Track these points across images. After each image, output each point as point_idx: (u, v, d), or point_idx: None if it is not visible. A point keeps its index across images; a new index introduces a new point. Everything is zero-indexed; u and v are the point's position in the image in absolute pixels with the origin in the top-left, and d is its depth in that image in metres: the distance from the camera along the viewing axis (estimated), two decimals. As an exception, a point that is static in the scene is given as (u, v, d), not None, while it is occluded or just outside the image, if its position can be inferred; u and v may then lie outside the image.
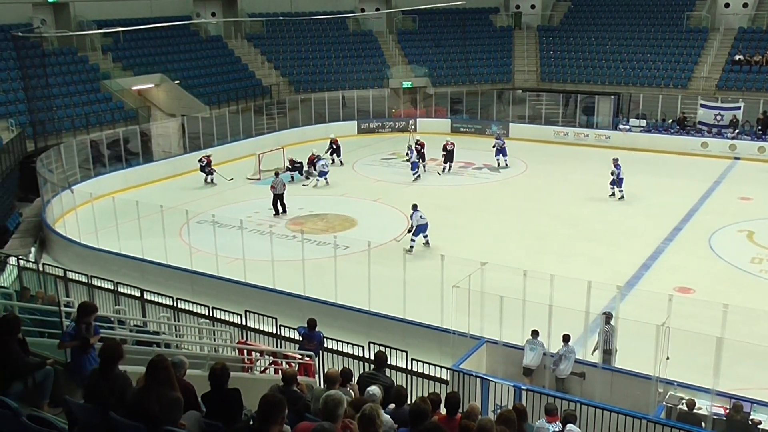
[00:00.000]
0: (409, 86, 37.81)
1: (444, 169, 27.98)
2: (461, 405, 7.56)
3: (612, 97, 34.58)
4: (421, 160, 27.71)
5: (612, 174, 24.03)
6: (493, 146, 28.95)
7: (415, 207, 19.34)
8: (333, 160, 28.89)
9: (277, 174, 23.51)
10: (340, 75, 37.64)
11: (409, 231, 19.34)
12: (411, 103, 38.00)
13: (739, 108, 31.30)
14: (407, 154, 28.46)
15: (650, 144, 31.62)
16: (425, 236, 19.33)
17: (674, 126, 32.66)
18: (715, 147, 30.63)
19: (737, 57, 34.23)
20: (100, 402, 4.99)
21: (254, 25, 39.19)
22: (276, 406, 4.58)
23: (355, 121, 35.83)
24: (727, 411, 10.81)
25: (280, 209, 22.76)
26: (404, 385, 11.26)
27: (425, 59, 39.07)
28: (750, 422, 10.67)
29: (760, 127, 31.13)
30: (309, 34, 39.66)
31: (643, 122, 33.13)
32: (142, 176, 26.52)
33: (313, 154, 27.48)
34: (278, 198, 22.80)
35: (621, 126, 33.08)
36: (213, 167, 26.74)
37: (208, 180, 26.62)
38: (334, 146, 29.45)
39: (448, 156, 27.97)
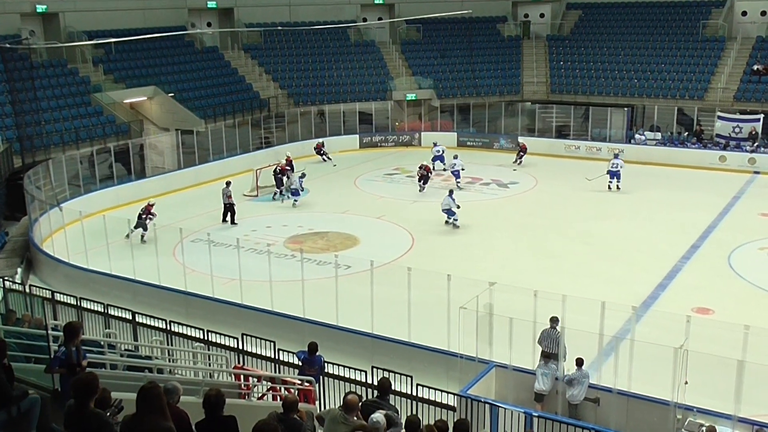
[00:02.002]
0: (414, 98, 37.39)
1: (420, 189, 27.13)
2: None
3: (625, 109, 34.22)
4: (422, 182, 27.07)
5: (613, 166, 25.26)
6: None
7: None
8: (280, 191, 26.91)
9: (228, 184, 23.47)
10: (342, 87, 37.26)
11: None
12: (417, 117, 37.57)
13: (758, 120, 30.95)
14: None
15: (666, 158, 31.17)
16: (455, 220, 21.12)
17: (690, 139, 32.20)
18: (733, 161, 30.22)
19: (755, 67, 33.74)
20: None
21: (251, 36, 38.87)
22: None
23: (357, 135, 35.44)
24: (751, 438, 10.34)
25: (229, 219, 23.02)
26: (410, 412, 10.82)
27: (430, 70, 38.71)
28: (774, 449, 10.25)
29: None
30: (309, 44, 39.35)
31: (658, 135, 32.71)
32: (134, 193, 26.00)
33: (283, 164, 27.11)
34: (230, 207, 23.07)
35: (637, 136, 32.66)
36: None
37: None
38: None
39: (424, 178, 27.12)
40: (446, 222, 22.54)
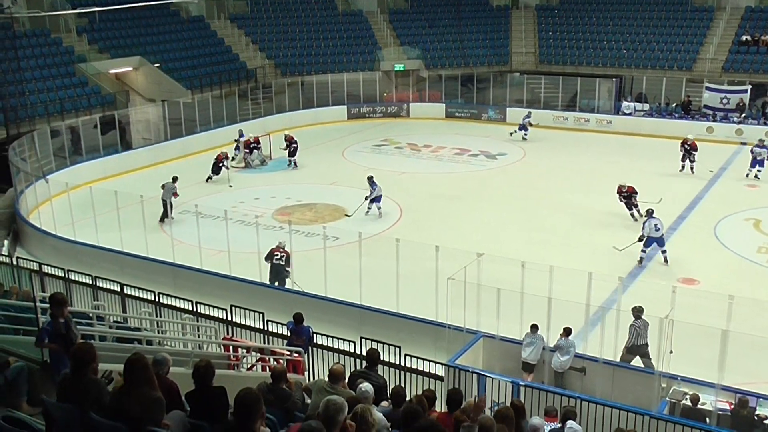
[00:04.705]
0: (402, 69, 37.10)
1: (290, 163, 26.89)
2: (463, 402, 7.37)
3: (614, 80, 34.09)
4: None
5: (758, 155, 24.08)
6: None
7: (650, 213, 17.48)
8: (289, 162, 26.98)
9: (174, 179, 20.53)
10: (329, 57, 36.92)
11: (640, 240, 17.37)
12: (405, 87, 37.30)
13: (745, 91, 31.00)
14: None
15: (654, 129, 31.15)
16: (663, 252, 17.42)
17: (678, 110, 32.23)
18: (720, 132, 30.27)
19: (744, 37, 33.65)
20: (76, 404, 4.78)
21: (238, 5, 38.38)
22: (252, 404, 4.53)
23: (345, 106, 35.18)
24: (733, 406, 10.57)
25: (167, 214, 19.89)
26: (398, 382, 10.91)
27: (418, 40, 38.37)
28: (756, 417, 10.45)
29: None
30: (296, 14, 38.92)
31: (646, 106, 32.65)
32: (121, 165, 25.82)
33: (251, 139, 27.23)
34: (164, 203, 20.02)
35: (625, 103, 32.69)
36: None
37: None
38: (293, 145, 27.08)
39: (292, 151, 26.81)
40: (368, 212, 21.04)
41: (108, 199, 17.44)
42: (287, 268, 15.41)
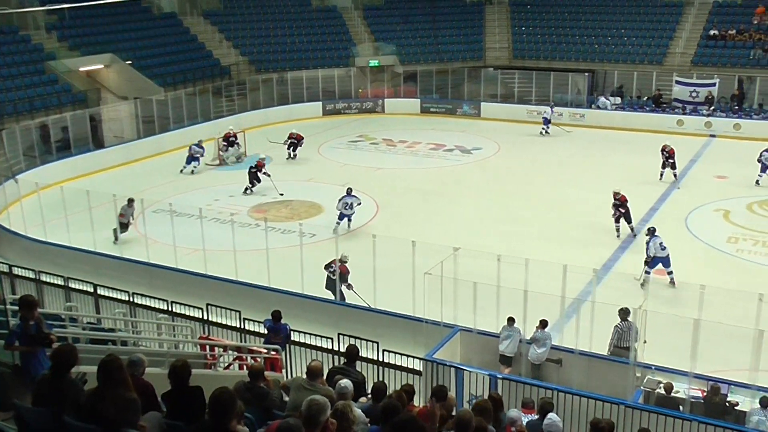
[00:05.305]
0: (376, 65, 37.06)
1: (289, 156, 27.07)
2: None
3: (586, 74, 34.27)
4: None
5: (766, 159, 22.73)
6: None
7: (653, 232, 16.17)
8: (290, 154, 27.10)
9: (131, 202, 18.61)
10: (303, 54, 36.75)
11: (646, 263, 15.82)
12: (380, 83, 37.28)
13: (714, 84, 31.41)
14: None
15: (625, 122, 31.47)
16: (669, 273, 15.82)
17: (649, 103, 32.56)
18: (690, 124, 30.67)
19: (712, 32, 34.12)
20: (52, 406, 4.76)
21: (211, 1, 38.08)
22: (227, 402, 4.54)
23: (320, 102, 35.06)
24: (705, 393, 10.71)
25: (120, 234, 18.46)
26: (376, 378, 10.93)
27: (393, 36, 38.34)
28: (727, 404, 10.60)
29: (735, 104, 31.21)
30: (269, 10, 38.67)
31: (618, 100, 32.95)
32: (93, 164, 25.47)
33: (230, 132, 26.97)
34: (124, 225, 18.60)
35: (602, 99, 32.85)
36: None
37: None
38: (299, 141, 27.29)
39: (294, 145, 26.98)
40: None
41: (79, 199, 17.20)
42: (344, 284, 14.71)
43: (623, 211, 18.51)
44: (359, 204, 19.43)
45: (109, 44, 31.62)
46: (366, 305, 14.04)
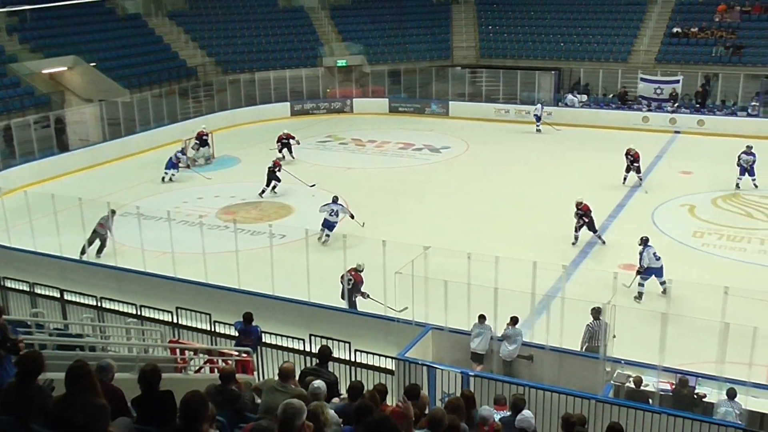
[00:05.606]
0: (344, 65, 36.97)
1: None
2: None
3: (552, 72, 34.56)
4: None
5: (746, 162, 21.93)
6: (743, 164, 22.31)
7: (645, 241, 15.46)
8: (284, 155, 26.45)
9: (113, 213, 17.99)
10: (271, 54, 36.53)
11: (638, 273, 15.19)
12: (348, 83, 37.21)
13: (678, 81, 31.89)
14: None
15: (592, 119, 31.76)
16: (662, 283, 15.21)
17: (615, 100, 32.97)
18: (655, 121, 31.09)
19: (675, 30, 34.65)
20: (18, 414, 4.57)
21: (176, 2, 37.68)
22: (198, 406, 4.49)
23: (288, 103, 34.88)
24: (674, 386, 10.84)
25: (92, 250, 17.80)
26: (348, 378, 10.90)
27: (360, 36, 38.28)
28: (695, 396, 10.73)
29: (699, 100, 31.71)
30: (235, 11, 38.35)
31: (584, 97, 33.29)
32: (57, 167, 25.08)
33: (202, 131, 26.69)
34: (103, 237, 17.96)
35: (570, 97, 33.10)
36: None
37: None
38: (289, 141, 26.97)
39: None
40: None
41: (44, 203, 16.88)
42: (358, 294, 14.34)
43: (587, 220, 18.05)
44: (344, 214, 18.69)
45: (72, 46, 31.13)
46: (395, 310, 13.44)
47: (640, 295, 14.99)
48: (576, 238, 18.20)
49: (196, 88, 33.16)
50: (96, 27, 33.53)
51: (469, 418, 7.21)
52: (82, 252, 17.43)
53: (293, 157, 26.71)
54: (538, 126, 30.78)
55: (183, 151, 25.43)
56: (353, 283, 14.26)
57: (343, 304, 14.33)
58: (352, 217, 18.41)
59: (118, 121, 28.21)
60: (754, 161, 22.09)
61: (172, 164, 24.62)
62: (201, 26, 37.14)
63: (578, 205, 18.12)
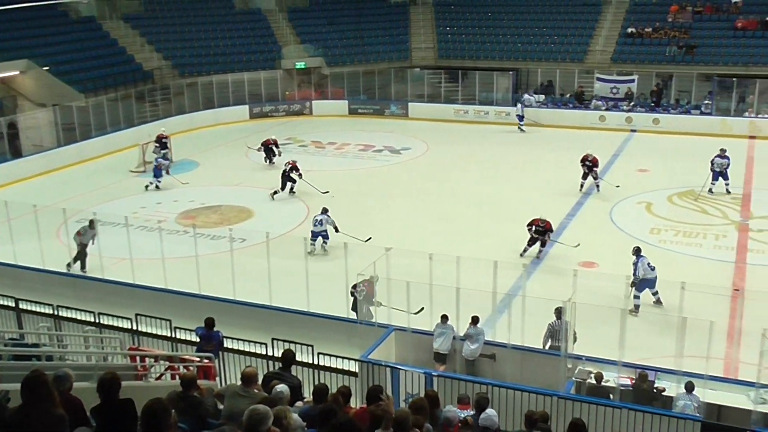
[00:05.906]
0: (303, 67, 36.81)
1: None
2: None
3: (510, 73, 34.90)
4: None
5: (719, 166, 21.55)
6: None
7: (638, 252, 15.16)
8: (270, 160, 26.02)
9: (92, 223, 17.09)
10: (228, 57, 36.18)
11: (632, 285, 14.28)
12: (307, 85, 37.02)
13: (633, 81, 32.51)
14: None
15: (549, 119, 32.16)
16: (655, 293, 14.80)
17: (572, 100, 33.43)
18: (612, 120, 31.59)
19: (630, 30, 35.29)
20: None
21: (131, 5, 37.06)
22: (159, 413, 4.50)
23: (247, 105, 34.60)
24: (634, 381, 10.97)
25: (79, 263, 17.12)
26: (312, 381, 10.85)
27: (319, 38, 38.11)
28: (655, 390, 10.87)
29: (654, 99, 32.34)
30: (192, 13, 37.87)
31: (541, 97, 33.68)
32: (10, 174, 24.50)
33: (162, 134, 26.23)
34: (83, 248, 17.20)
35: (526, 96, 33.15)
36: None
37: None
38: (273, 147, 26.29)
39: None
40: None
41: (-4, 212, 16.49)
42: (370, 306, 13.71)
43: (546, 238, 17.44)
44: (330, 226, 18.06)
45: (24, 50, 30.36)
46: (411, 313, 12.88)
47: (636, 308, 14.44)
48: (525, 250, 17.34)
49: (153, 91, 32.69)
50: (49, 30, 32.78)
51: (433, 417, 7.23)
52: (82, 268, 16.94)
53: (272, 163, 26.08)
54: (521, 126, 30.97)
55: (165, 156, 24.91)
56: (364, 294, 13.83)
57: (353, 315, 13.61)
58: (337, 230, 17.94)
59: (73, 126, 27.65)
60: (728, 165, 21.65)
61: (158, 172, 23.74)
62: (157, 29, 36.58)
63: (539, 222, 17.35)
